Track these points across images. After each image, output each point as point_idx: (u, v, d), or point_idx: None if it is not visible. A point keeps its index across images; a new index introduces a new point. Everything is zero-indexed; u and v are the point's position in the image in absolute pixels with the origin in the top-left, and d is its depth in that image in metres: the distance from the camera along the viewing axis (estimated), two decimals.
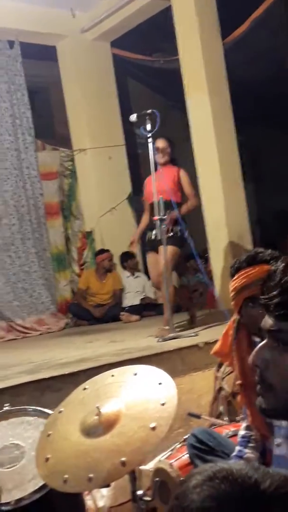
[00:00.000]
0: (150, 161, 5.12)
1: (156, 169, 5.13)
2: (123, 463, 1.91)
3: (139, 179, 5.69)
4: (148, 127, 5.01)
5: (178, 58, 6.86)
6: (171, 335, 4.66)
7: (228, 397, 3.65)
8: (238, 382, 2.44)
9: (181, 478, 2.62)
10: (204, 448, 2.57)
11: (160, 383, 2.15)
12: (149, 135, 5.00)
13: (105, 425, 2.05)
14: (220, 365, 3.86)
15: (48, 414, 2.47)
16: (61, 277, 8.09)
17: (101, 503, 2.96)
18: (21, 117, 7.70)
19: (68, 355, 4.51)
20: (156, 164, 5.12)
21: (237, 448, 2.43)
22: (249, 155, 9.45)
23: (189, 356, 4.09)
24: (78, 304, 7.79)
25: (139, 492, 2.14)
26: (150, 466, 3.04)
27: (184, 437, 2.91)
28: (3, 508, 2.22)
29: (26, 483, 2.30)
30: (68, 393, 2.40)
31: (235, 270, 2.27)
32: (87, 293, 7.70)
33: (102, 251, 7.71)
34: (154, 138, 5.05)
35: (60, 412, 2.27)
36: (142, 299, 7.50)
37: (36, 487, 2.26)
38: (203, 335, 4.60)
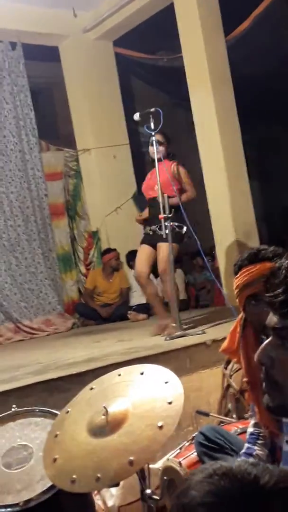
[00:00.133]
0: (151, 155, 5.16)
1: (154, 165, 5.18)
2: (131, 462, 1.91)
3: (144, 177, 5.66)
4: (152, 125, 5.00)
5: (181, 56, 6.85)
6: (179, 333, 4.66)
7: (236, 395, 3.64)
8: (245, 379, 2.43)
9: None
10: (212, 446, 2.57)
11: (166, 382, 2.14)
12: (153, 133, 5.00)
13: (112, 425, 2.04)
14: (228, 363, 3.85)
15: (56, 415, 2.47)
16: (67, 277, 8.10)
17: (110, 503, 2.96)
18: (24, 118, 7.70)
19: (76, 355, 4.51)
20: (153, 159, 5.15)
21: (246, 445, 2.42)
22: (254, 151, 9.43)
23: (197, 354, 4.09)
24: (85, 304, 7.80)
25: (148, 491, 2.14)
26: (158, 464, 3.03)
27: (193, 435, 2.90)
28: (12, 509, 2.21)
29: (35, 484, 2.29)
30: (76, 393, 2.40)
31: (237, 268, 2.26)
32: (94, 293, 7.71)
33: (109, 250, 7.72)
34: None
35: (67, 412, 2.27)
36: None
37: (45, 488, 2.26)
38: (210, 332, 4.59)
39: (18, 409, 2.63)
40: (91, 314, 7.61)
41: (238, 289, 2.26)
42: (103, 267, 7.77)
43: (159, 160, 5.14)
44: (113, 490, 2.97)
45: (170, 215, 4.81)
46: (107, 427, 2.03)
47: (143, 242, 5.35)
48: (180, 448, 2.98)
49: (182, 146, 8.34)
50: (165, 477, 2.83)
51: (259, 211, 8.24)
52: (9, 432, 2.53)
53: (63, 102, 8.43)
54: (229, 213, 6.55)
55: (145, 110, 5.08)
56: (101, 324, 7.31)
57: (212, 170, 6.67)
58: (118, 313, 7.41)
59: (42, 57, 8.15)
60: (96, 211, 8.15)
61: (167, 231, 4.80)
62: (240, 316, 2.48)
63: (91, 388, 2.34)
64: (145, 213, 5.54)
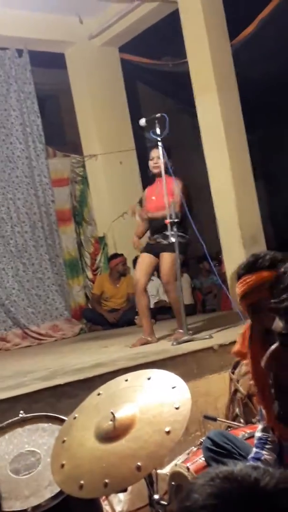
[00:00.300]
0: (151, 169, 5.16)
1: (154, 180, 5.19)
2: (139, 468, 1.91)
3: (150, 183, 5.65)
4: (158, 131, 5.00)
5: (187, 61, 6.87)
6: (186, 338, 4.65)
7: (243, 399, 3.63)
8: (252, 382, 2.43)
9: None
10: (220, 451, 2.56)
11: (174, 387, 2.15)
12: (159, 139, 5.00)
13: (120, 430, 2.05)
14: (235, 367, 3.84)
15: (63, 420, 2.47)
16: (74, 283, 8.12)
17: (118, 508, 2.96)
18: (31, 125, 7.74)
19: (83, 360, 4.51)
20: (153, 174, 5.17)
21: (254, 450, 2.41)
22: (260, 154, 9.42)
23: (204, 358, 4.08)
24: (92, 309, 7.81)
25: (156, 497, 2.14)
26: (166, 470, 3.03)
27: (200, 440, 2.90)
28: None
29: (43, 489, 2.30)
30: (84, 399, 2.40)
31: (237, 277, 2.26)
32: (102, 298, 7.72)
33: (116, 255, 7.73)
34: (164, 141, 5.03)
35: (74, 418, 2.28)
36: (156, 303, 7.49)
37: (53, 494, 2.26)
38: (217, 337, 4.58)
39: (26, 415, 2.63)
40: (98, 320, 7.62)
41: (239, 298, 2.27)
42: (110, 272, 7.78)
43: (159, 175, 5.07)
44: (121, 495, 2.97)
45: (176, 220, 4.80)
46: (114, 432, 2.04)
47: (144, 250, 5.30)
48: (188, 453, 2.97)
49: (188, 151, 8.37)
50: (173, 483, 2.82)
51: (265, 212, 8.23)
52: (17, 438, 2.54)
53: (70, 109, 8.46)
54: (235, 217, 6.55)
55: (151, 115, 5.08)
56: (108, 330, 7.32)
57: (218, 174, 6.68)
58: (125, 318, 7.42)
59: (48, 64, 8.19)
60: (102, 216, 8.17)
61: (173, 239, 4.78)
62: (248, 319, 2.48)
63: (99, 394, 2.34)
64: (138, 230, 5.43)
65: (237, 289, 2.25)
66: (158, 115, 5.01)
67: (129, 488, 2.85)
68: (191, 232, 5.08)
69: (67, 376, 3.77)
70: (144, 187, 7.99)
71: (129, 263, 7.74)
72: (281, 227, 9.97)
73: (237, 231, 6.55)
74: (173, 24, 7.05)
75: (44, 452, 2.42)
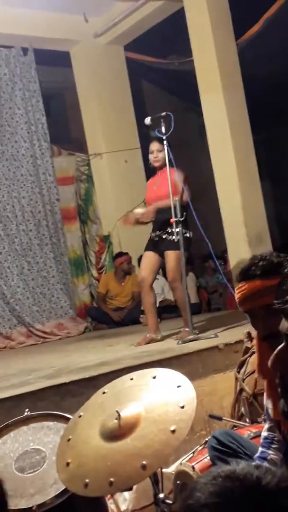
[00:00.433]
0: (151, 162, 5.15)
1: (155, 173, 5.18)
2: (144, 467, 1.91)
3: None
4: (163, 129, 4.99)
5: (192, 60, 6.85)
6: (191, 337, 4.65)
7: (249, 398, 3.62)
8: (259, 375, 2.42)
9: None
10: (225, 450, 2.55)
11: (179, 386, 2.14)
12: (164, 137, 4.99)
13: (125, 429, 2.04)
14: (240, 366, 3.84)
15: (68, 419, 2.47)
16: (79, 282, 8.13)
17: (123, 507, 2.96)
18: (36, 124, 7.74)
19: (88, 359, 4.51)
20: (154, 167, 5.17)
21: (260, 449, 2.40)
22: (266, 154, 9.41)
23: (210, 357, 4.08)
24: (97, 307, 7.82)
25: (161, 495, 2.14)
26: (171, 469, 3.02)
27: (206, 439, 2.89)
28: None
29: (48, 488, 2.30)
30: (89, 397, 2.40)
31: (236, 282, 2.27)
32: (107, 297, 7.73)
33: (121, 254, 7.74)
34: (169, 140, 5.01)
35: (79, 416, 2.27)
36: (161, 301, 7.48)
37: (58, 492, 2.26)
38: (223, 336, 4.57)
39: (31, 413, 2.63)
40: (103, 318, 7.62)
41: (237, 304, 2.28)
42: (115, 271, 7.79)
43: (160, 168, 5.11)
44: (126, 494, 2.97)
45: (182, 219, 4.79)
46: (119, 431, 2.03)
47: (147, 248, 5.26)
48: (193, 452, 2.97)
49: (193, 150, 8.36)
50: (178, 481, 2.82)
51: (271, 211, 8.22)
52: (22, 436, 2.54)
53: (75, 107, 8.46)
54: (241, 216, 6.54)
55: (156, 114, 5.07)
56: (113, 328, 7.32)
57: (224, 174, 6.67)
58: (130, 317, 7.42)
59: (53, 62, 8.19)
60: (107, 215, 8.17)
61: (178, 237, 4.77)
62: None
63: (104, 392, 2.34)
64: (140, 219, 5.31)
65: (235, 295, 2.26)
66: (164, 113, 5.00)
67: (134, 487, 2.85)
68: (197, 231, 5.07)
69: (72, 375, 3.77)
70: None
71: (134, 262, 7.74)
72: (287, 226, 9.96)
73: (242, 230, 6.53)
74: (178, 22, 7.04)
75: (49, 451, 2.42)
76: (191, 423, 2.00)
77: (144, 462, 1.91)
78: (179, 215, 4.77)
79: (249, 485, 0.76)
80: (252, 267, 2.17)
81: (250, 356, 3.73)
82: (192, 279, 7.72)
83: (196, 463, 2.80)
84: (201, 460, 2.80)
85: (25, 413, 2.63)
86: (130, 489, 2.32)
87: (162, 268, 5.56)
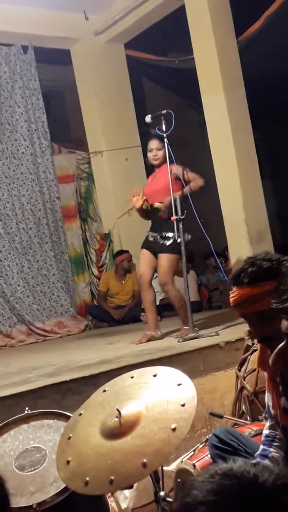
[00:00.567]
0: (150, 160, 5.14)
1: (153, 170, 5.17)
2: (144, 465, 1.90)
3: None
4: (164, 127, 4.98)
5: (193, 58, 6.84)
6: (192, 335, 4.64)
7: (250, 396, 3.62)
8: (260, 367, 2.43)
9: None
10: (226, 448, 2.55)
11: (179, 384, 2.14)
12: (165, 135, 4.98)
13: (126, 427, 2.04)
14: (241, 364, 3.83)
15: (69, 417, 2.47)
16: (80, 280, 8.12)
17: (124, 505, 2.96)
18: (36, 122, 7.73)
19: (89, 357, 4.51)
20: (152, 165, 5.16)
21: (262, 447, 2.40)
22: (267, 152, 9.40)
23: (210, 355, 4.07)
24: (97, 306, 7.82)
25: (162, 493, 2.13)
26: (172, 467, 3.02)
27: (206, 437, 2.89)
28: (26, 511, 2.22)
29: (48, 486, 2.30)
30: (89, 396, 2.39)
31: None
32: (108, 295, 7.73)
33: (121, 252, 7.74)
34: (169, 138, 5.01)
35: (80, 414, 2.27)
36: (161, 300, 7.48)
37: (58, 490, 2.26)
38: (224, 334, 4.57)
39: (32, 411, 2.63)
40: (103, 316, 7.62)
41: None
42: (115, 269, 7.78)
43: (159, 165, 5.10)
44: (127, 492, 2.97)
45: (183, 217, 4.78)
46: (120, 429, 2.03)
47: (143, 246, 5.26)
48: (194, 450, 2.97)
49: (194, 148, 8.34)
50: (179, 479, 2.82)
51: (272, 210, 8.21)
52: (23, 434, 2.54)
53: (75, 105, 8.45)
54: (242, 214, 6.53)
55: (157, 112, 5.06)
56: (114, 326, 7.32)
57: (225, 171, 6.66)
58: (131, 315, 7.42)
59: (53, 60, 8.18)
60: (108, 213, 8.16)
61: (171, 241, 4.80)
62: None
63: (104, 390, 2.33)
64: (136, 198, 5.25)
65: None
66: (164, 111, 4.99)
67: (135, 485, 2.85)
68: (198, 230, 5.07)
69: (73, 373, 3.77)
70: None
71: (135, 260, 7.73)
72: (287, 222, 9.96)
73: (243, 227, 6.53)
74: (179, 20, 7.02)
75: (49, 449, 2.42)
76: (191, 421, 2.00)
77: (144, 460, 1.91)
78: (179, 212, 4.76)
79: (246, 482, 0.76)
80: (241, 273, 2.17)
81: (251, 354, 3.73)
82: (192, 277, 7.71)
83: (197, 461, 2.80)
84: (202, 458, 2.79)
85: (26, 411, 2.62)
86: (130, 487, 2.32)
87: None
